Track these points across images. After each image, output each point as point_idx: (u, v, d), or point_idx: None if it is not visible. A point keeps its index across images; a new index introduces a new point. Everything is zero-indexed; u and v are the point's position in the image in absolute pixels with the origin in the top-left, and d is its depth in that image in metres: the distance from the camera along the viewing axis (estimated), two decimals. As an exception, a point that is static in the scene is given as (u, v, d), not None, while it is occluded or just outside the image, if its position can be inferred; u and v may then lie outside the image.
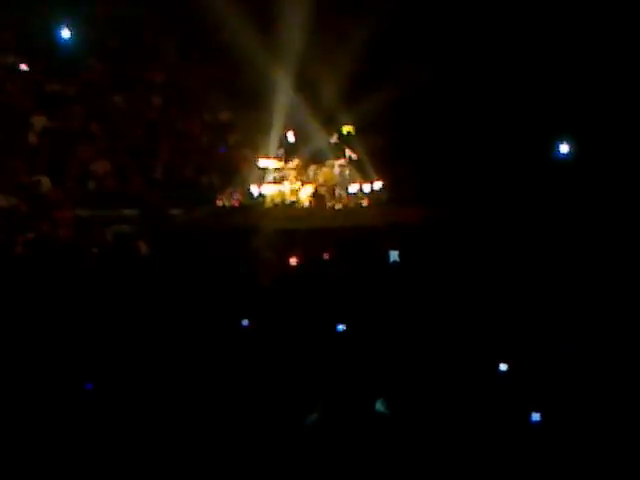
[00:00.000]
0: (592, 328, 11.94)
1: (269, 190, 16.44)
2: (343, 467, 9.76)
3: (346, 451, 9.91)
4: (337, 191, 16.72)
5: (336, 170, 16.93)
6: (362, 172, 16.89)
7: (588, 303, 12.46)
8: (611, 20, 16.46)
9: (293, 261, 14.49)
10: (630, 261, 13.40)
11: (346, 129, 17.45)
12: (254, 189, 16.38)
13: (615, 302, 12.45)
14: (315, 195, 16.55)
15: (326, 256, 14.83)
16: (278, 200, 16.46)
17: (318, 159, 17.04)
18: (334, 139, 17.36)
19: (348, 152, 17.15)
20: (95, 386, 10.81)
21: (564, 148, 16.59)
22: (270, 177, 16.66)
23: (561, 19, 16.68)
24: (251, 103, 17.37)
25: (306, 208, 16.46)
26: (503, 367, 11.48)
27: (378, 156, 17.02)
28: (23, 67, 17.42)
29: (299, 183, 16.65)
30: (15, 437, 9.78)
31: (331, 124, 17.35)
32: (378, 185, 16.61)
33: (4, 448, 9.56)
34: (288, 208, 16.40)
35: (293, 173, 16.73)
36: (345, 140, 17.36)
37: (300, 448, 9.89)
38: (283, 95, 16.87)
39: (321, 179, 16.84)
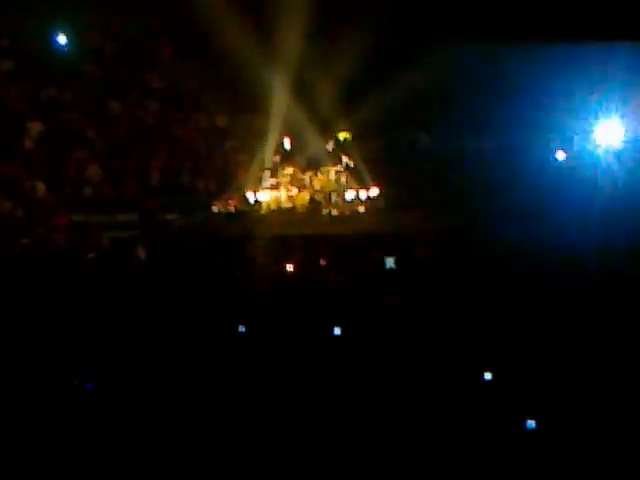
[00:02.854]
0: (589, 336, 11.95)
1: (265, 196, 16.46)
2: (337, 473, 9.75)
3: (340, 457, 9.90)
4: (333, 197, 16.76)
5: (332, 176, 16.97)
6: (358, 179, 16.91)
7: (584, 311, 12.48)
8: (612, 26, 16.51)
9: (289, 267, 14.49)
10: (627, 269, 13.42)
11: (342, 136, 17.49)
12: (250, 195, 16.40)
13: (613, 309, 12.46)
14: (311, 201, 16.57)
15: (322, 262, 14.83)
16: (274, 206, 16.49)
17: (314, 165, 17.05)
18: (330, 146, 17.39)
19: (344, 159, 17.18)
20: (94, 387, 10.81)
21: (560, 155, 16.66)
22: (266, 183, 16.67)
23: (562, 24, 16.72)
24: (248, 109, 17.41)
25: (302, 214, 16.48)
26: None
27: (374, 163, 17.04)
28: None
29: (295, 189, 16.67)
30: (15, 437, 9.76)
31: (327, 131, 17.38)
32: (374, 192, 16.63)
33: (4, 448, 9.54)
34: (284, 214, 16.42)
35: (289, 179, 16.75)
36: (341, 147, 17.39)
37: (297, 453, 9.88)
38: (280, 101, 16.89)
39: (317, 185, 16.88)
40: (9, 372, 10.73)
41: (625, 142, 16.36)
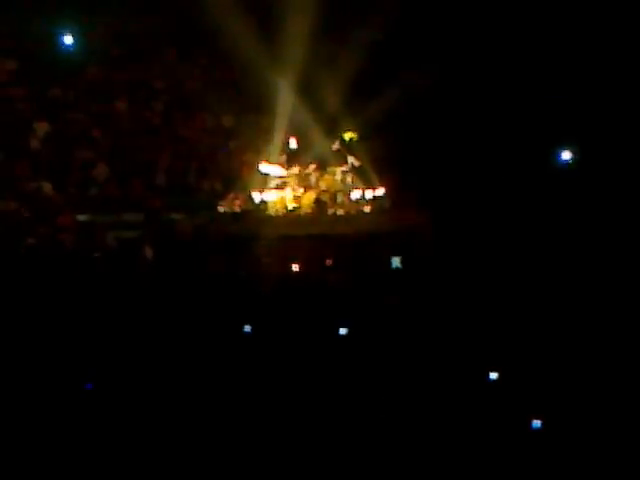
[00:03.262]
0: (590, 335, 11.94)
1: (271, 196, 16.43)
2: (342, 473, 9.74)
3: (344, 456, 9.90)
4: (339, 197, 16.71)
5: (338, 176, 16.92)
6: (364, 178, 16.88)
7: (586, 309, 12.47)
8: (612, 28, 16.49)
9: (295, 267, 14.49)
10: (625, 268, 13.41)
11: (348, 135, 17.45)
12: (256, 195, 16.37)
13: (612, 307, 12.45)
14: (317, 201, 16.54)
15: (328, 262, 14.82)
16: (280, 206, 16.44)
17: (320, 165, 17.02)
18: (336, 145, 17.36)
19: (350, 159, 17.15)
20: (97, 387, 10.82)
21: (565, 155, 16.60)
22: (272, 183, 16.65)
23: (563, 25, 16.71)
24: (253, 109, 17.41)
25: (308, 214, 16.45)
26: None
27: (380, 163, 17.01)
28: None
29: (301, 189, 16.64)
30: (15, 437, 9.77)
31: (333, 130, 17.35)
32: (380, 192, 16.60)
33: (4, 448, 9.55)
34: (290, 214, 16.39)
35: (295, 179, 16.72)
36: (347, 146, 17.36)
37: (301, 452, 9.88)
38: (286, 101, 16.88)
39: (323, 185, 16.83)
40: (14, 371, 10.75)
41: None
